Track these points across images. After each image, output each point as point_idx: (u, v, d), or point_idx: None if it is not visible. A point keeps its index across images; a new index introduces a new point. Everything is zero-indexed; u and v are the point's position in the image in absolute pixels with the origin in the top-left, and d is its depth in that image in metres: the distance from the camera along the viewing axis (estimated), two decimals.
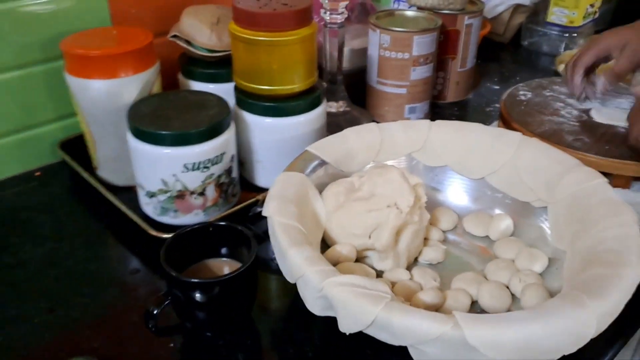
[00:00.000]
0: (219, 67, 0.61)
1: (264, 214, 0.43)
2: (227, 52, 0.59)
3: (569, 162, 0.51)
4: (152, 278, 0.49)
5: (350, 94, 0.74)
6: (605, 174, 0.56)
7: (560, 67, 0.93)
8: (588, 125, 0.67)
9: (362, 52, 0.78)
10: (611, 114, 0.69)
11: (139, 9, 0.65)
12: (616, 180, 0.61)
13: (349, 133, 0.55)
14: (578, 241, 0.46)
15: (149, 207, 0.53)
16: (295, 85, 0.55)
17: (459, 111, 0.81)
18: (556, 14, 0.99)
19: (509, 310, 0.45)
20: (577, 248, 0.45)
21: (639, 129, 0.56)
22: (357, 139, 0.55)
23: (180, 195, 0.51)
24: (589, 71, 0.69)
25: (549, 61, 0.99)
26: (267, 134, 0.56)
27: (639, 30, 0.65)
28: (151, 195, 0.51)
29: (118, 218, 0.54)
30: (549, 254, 0.49)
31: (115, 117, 0.54)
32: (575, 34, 1.00)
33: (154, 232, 0.51)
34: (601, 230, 0.44)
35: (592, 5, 0.99)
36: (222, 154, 0.51)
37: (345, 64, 0.77)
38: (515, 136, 0.55)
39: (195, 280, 0.39)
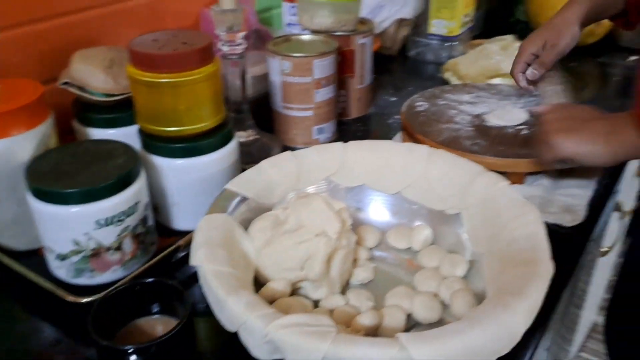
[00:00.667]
0: (117, 110, 0.58)
1: (193, 263, 0.42)
2: (125, 95, 0.57)
3: (475, 169, 0.55)
4: (77, 348, 0.45)
5: (257, 120, 0.74)
6: (502, 173, 0.61)
7: (447, 75, 0.99)
8: (482, 129, 0.73)
9: (264, 78, 0.78)
10: (502, 115, 0.75)
11: (22, 57, 0.60)
12: (512, 177, 0.67)
13: (266, 165, 0.55)
14: (493, 243, 0.49)
15: (61, 270, 0.49)
16: (205, 123, 0.54)
17: (364, 126, 0.84)
18: (436, 26, 1.05)
19: (441, 318, 0.47)
20: (493, 249, 0.49)
21: (540, 153, 0.61)
22: (275, 170, 0.55)
23: (95, 254, 0.48)
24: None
25: (435, 69, 1.05)
26: (181, 175, 0.54)
27: (550, 29, 0.72)
28: (62, 257, 0.48)
29: (26, 287, 0.49)
30: (468, 257, 0.52)
31: (11, 178, 0.49)
32: (456, 42, 1.07)
33: (71, 297, 0.47)
34: (512, 231, 0.48)
35: (466, 15, 1.06)
36: (136, 204, 0.49)
37: (249, 91, 0.77)
38: (423, 150, 0.58)
39: (130, 347, 0.37)
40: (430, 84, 0.99)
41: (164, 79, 0.50)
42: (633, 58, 1.09)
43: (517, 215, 0.49)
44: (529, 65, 0.74)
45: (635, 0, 0.71)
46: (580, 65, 1.06)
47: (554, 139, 0.57)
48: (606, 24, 1.10)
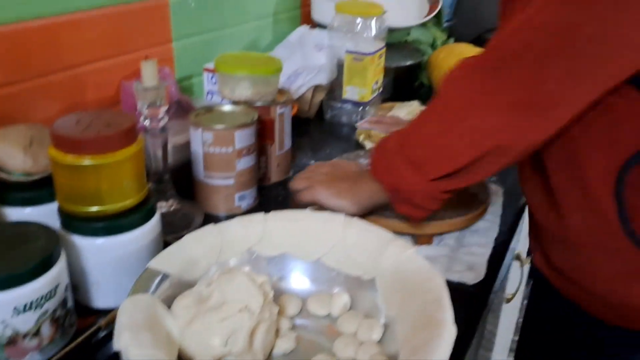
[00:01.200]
0: (35, 189, 0.58)
1: (116, 348, 0.42)
2: (44, 174, 0.57)
3: (386, 237, 0.60)
4: None
5: (178, 188, 0.75)
6: (413, 235, 0.69)
7: (361, 138, 1.06)
8: None
9: (185, 146, 0.79)
10: None
11: None
12: (421, 238, 0.73)
13: (188, 239, 0.56)
14: (404, 307, 0.53)
15: None
16: (127, 201, 0.55)
17: (284, 190, 0.88)
18: (349, 92, 1.13)
19: None
20: (405, 314, 0.53)
21: (301, 193, 0.71)
22: (197, 245, 0.56)
23: (12, 341, 0.46)
24: None
25: (350, 130, 1.12)
26: (102, 254, 0.55)
27: None
28: None
29: None
30: (383, 321, 0.56)
31: None
32: (367, 107, 1.15)
33: None
34: (420, 295, 0.52)
35: (376, 82, 1.15)
36: (56, 287, 0.48)
37: (170, 160, 0.78)
38: (340, 218, 0.62)
39: None
40: (345, 145, 1.06)
41: (87, 161, 0.51)
42: None
43: (424, 281, 0.53)
44: None
45: None
46: None
47: (315, 186, 0.69)
48: None
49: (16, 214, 0.57)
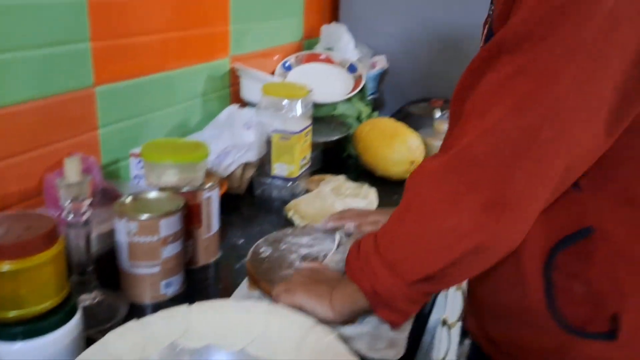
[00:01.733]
0: None
1: None
2: None
3: (307, 323, 0.62)
4: None
5: (102, 277, 0.75)
6: None
7: (290, 214, 1.09)
8: None
9: (110, 234, 0.80)
10: (338, 261, 0.85)
11: None
12: None
13: (111, 338, 0.57)
14: None
15: None
16: (47, 303, 0.55)
17: (211, 273, 0.89)
18: (278, 169, 1.17)
19: None
20: None
21: (281, 294, 0.71)
22: (120, 342, 0.57)
23: None
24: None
25: (280, 205, 1.15)
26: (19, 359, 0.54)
27: (375, 212, 0.89)
28: None
29: None
30: None
31: None
32: (297, 182, 1.19)
33: None
34: None
35: (304, 158, 1.20)
36: None
37: (94, 249, 0.78)
38: (263, 307, 0.64)
39: None
40: (276, 220, 1.09)
41: (5, 267, 0.51)
42: None
43: None
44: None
45: None
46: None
47: (295, 294, 0.69)
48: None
49: None
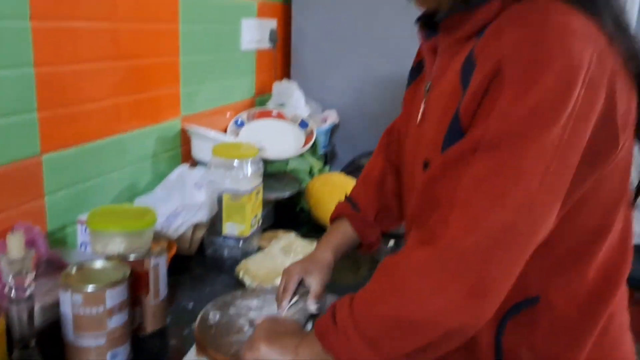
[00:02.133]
0: None
1: None
2: None
3: None
4: None
5: (46, 349, 0.74)
6: None
7: (241, 275, 1.10)
8: None
9: (55, 305, 0.79)
10: (293, 314, 0.86)
11: None
12: None
13: None
14: None
15: None
16: None
17: (160, 340, 0.88)
18: (229, 228, 1.19)
19: None
20: None
21: (245, 352, 0.72)
22: None
23: None
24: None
25: (232, 264, 1.15)
26: None
27: (312, 261, 0.88)
28: None
29: None
30: None
31: None
32: (248, 240, 1.21)
33: None
34: None
35: (255, 217, 1.22)
36: None
37: (38, 320, 0.77)
38: None
39: None
40: (227, 280, 1.09)
41: None
42: (391, 242, 1.33)
43: None
44: (294, 293, 0.87)
45: (369, 240, 0.93)
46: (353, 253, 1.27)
47: (258, 345, 0.70)
48: None
49: None
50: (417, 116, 0.75)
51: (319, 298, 0.86)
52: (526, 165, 0.56)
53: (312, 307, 0.85)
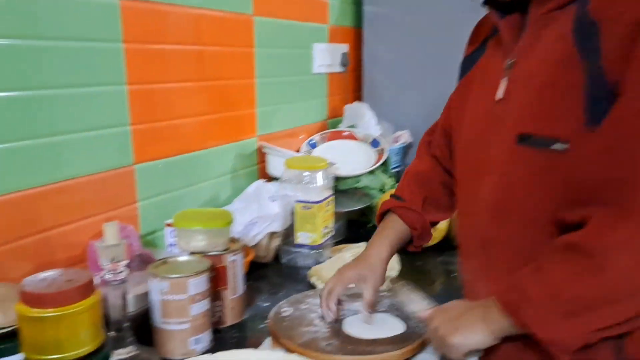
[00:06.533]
0: (4, 341, 0.64)
1: None
2: (13, 327, 0.64)
3: None
4: None
5: (139, 334, 0.81)
6: None
7: (313, 279, 1.14)
8: (335, 330, 0.86)
9: (146, 295, 0.87)
10: (352, 322, 0.89)
11: None
12: None
13: None
14: None
15: None
16: (84, 348, 0.62)
17: (238, 332, 0.94)
18: (301, 237, 1.24)
19: None
20: None
21: (447, 356, 0.72)
22: None
23: None
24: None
25: (305, 273, 1.20)
26: None
27: (367, 266, 0.89)
28: None
29: None
30: None
31: None
32: (320, 249, 1.26)
33: None
34: None
35: (326, 227, 1.27)
36: None
37: (131, 308, 0.86)
38: (279, 354, 0.69)
39: None
40: (300, 287, 1.14)
41: (48, 313, 0.59)
42: None
43: None
44: (340, 300, 0.89)
45: (418, 231, 0.92)
46: (425, 264, 1.28)
47: (451, 341, 0.69)
48: (441, 228, 1.35)
49: None
50: (493, 95, 0.74)
51: (371, 307, 0.88)
52: None
53: (363, 316, 0.86)
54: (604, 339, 0.63)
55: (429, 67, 1.81)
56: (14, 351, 0.64)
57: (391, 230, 0.92)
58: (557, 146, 0.64)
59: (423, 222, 0.92)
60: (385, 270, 0.89)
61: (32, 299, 0.59)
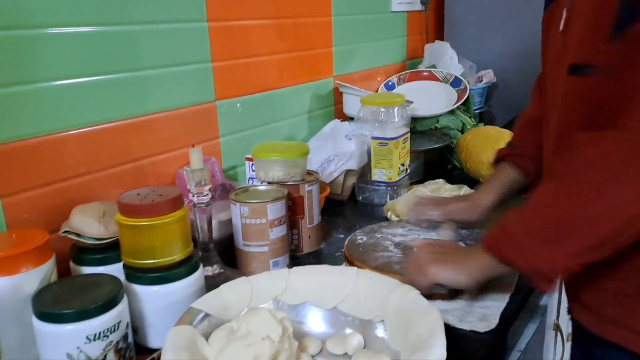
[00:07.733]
0: (106, 252, 0.73)
1: None
2: (113, 239, 0.71)
3: (392, 283, 0.69)
4: None
5: (223, 257, 0.88)
6: None
7: (388, 214, 1.16)
8: (409, 255, 0.88)
9: (229, 222, 0.93)
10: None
11: (32, 213, 0.76)
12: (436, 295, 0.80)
13: (224, 288, 0.68)
14: (406, 339, 0.62)
15: None
16: (175, 256, 0.68)
17: (315, 259, 0.99)
18: (378, 174, 1.26)
19: None
20: (407, 344, 0.61)
21: (415, 280, 0.74)
22: (232, 292, 0.68)
23: None
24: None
25: (380, 210, 1.22)
26: (155, 300, 0.67)
27: (473, 205, 0.94)
28: None
29: None
30: (391, 355, 0.64)
31: (19, 306, 0.62)
32: (396, 187, 1.26)
33: None
34: (418, 327, 0.61)
35: (402, 165, 1.28)
36: (119, 322, 0.61)
37: (216, 234, 0.92)
38: (352, 271, 0.72)
39: None
40: (375, 222, 1.16)
41: (144, 222, 0.65)
42: None
43: (422, 315, 0.62)
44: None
45: (532, 177, 0.91)
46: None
47: (427, 269, 0.74)
48: None
49: (91, 272, 0.71)
50: (559, 26, 0.74)
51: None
52: None
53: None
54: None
55: (515, 5, 1.71)
56: (115, 260, 0.71)
57: (500, 178, 0.94)
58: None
59: (538, 168, 0.89)
60: (485, 217, 0.93)
61: (129, 210, 0.65)
